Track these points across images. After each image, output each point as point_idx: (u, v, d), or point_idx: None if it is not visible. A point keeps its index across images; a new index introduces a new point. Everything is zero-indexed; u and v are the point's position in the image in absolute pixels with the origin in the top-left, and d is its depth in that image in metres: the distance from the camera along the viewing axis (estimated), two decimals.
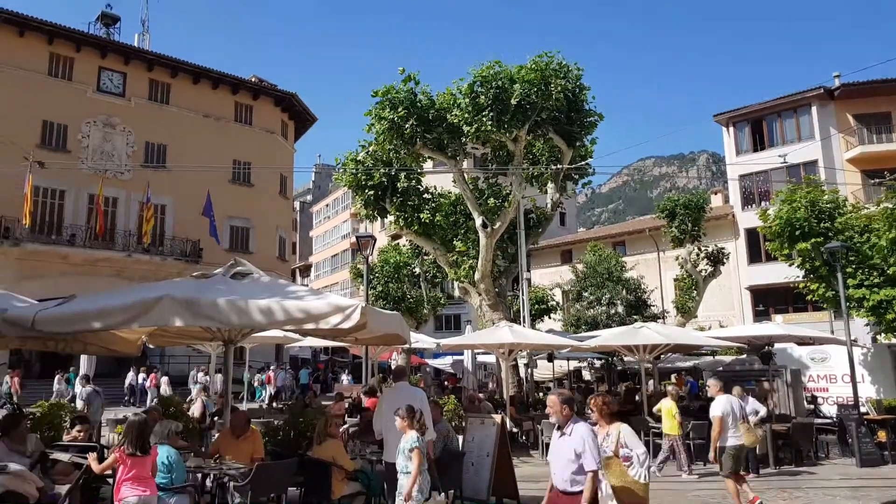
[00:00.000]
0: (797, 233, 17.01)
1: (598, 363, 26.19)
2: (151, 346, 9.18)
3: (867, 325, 18.87)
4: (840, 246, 15.22)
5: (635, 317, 24.96)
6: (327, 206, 68.29)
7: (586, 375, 28.38)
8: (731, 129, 35.11)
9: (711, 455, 9.32)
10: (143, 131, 31.70)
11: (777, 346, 18.04)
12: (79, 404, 13.53)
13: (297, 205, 68.81)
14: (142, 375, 25.05)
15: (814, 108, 32.12)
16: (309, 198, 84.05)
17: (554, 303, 29.39)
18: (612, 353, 19.98)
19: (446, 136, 17.70)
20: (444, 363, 29.88)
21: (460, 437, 9.52)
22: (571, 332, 24.40)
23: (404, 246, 28.26)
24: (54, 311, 5.88)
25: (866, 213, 17.72)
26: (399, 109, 17.07)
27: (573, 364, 27.22)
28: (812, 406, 16.31)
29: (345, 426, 11.61)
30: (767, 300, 32.18)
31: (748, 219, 32.02)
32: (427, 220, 19.13)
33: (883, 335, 18.31)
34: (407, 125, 17.07)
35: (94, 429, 10.95)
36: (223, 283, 6.44)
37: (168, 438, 6.27)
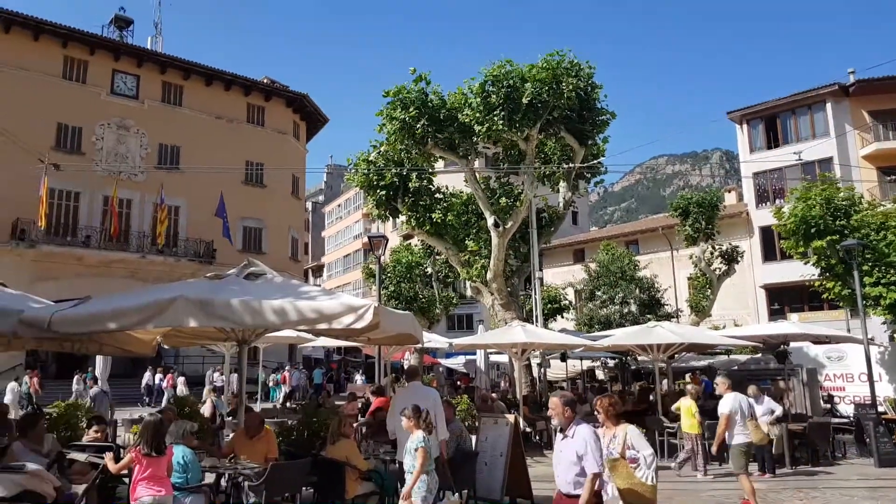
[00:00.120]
0: (812, 230, 16.86)
1: (611, 363, 26.08)
2: (166, 347, 9.22)
3: (884, 323, 18.66)
4: (856, 244, 15.08)
5: (649, 316, 24.88)
6: (339, 206, 68.48)
7: (600, 375, 28.29)
8: (745, 126, 34.81)
9: (714, 449, 9.67)
10: (156, 133, 31.93)
11: (793, 344, 17.87)
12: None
13: (309, 205, 69.01)
14: (158, 376, 25.25)
15: (828, 105, 31.78)
16: (321, 198, 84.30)
17: (567, 302, 29.29)
18: (626, 353, 19.86)
19: (458, 136, 17.69)
20: (456, 363, 29.86)
21: (473, 437, 9.51)
22: (584, 331, 24.33)
23: (416, 246, 28.28)
24: (70, 312, 5.93)
25: (883, 211, 17.55)
26: (410, 109, 17.07)
27: (586, 364, 27.12)
28: (829, 405, 16.17)
29: (356, 424, 11.64)
30: (783, 299, 31.89)
31: (762, 217, 31.74)
32: (439, 220, 19.12)
33: None
34: (418, 125, 17.07)
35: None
36: (237, 283, 6.46)
37: (183, 438, 6.30)
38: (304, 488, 7.68)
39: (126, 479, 6.36)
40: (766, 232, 31.87)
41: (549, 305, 26.48)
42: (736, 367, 18.24)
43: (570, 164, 19.39)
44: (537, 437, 14.93)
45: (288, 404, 23.76)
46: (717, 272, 22.80)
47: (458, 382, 26.78)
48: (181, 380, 24.41)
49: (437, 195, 20.21)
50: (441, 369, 30.66)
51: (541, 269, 19.66)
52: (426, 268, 27.01)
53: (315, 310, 5.73)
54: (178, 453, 6.09)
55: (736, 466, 8.95)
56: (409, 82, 17.40)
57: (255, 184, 35.28)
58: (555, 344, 16.26)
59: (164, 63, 33.10)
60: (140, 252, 29.69)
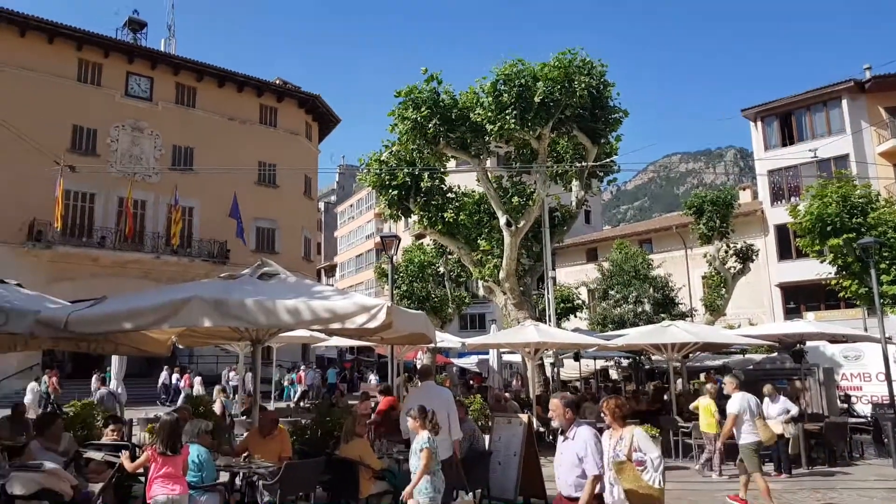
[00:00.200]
0: (828, 228, 16.72)
1: (625, 362, 25.97)
2: (181, 347, 9.29)
3: None
4: (873, 241, 14.90)
5: (663, 315, 24.74)
6: (351, 206, 68.64)
7: (613, 374, 28.19)
8: (760, 123, 34.52)
9: (719, 445, 9.96)
10: (170, 134, 32.14)
11: (809, 344, 17.69)
12: None
13: (321, 205, 69.26)
14: (175, 375, 25.44)
15: (844, 102, 31.45)
16: (333, 198, 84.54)
17: (580, 301, 29.19)
18: (640, 352, 19.77)
19: (469, 135, 17.67)
20: (469, 362, 29.88)
21: (486, 437, 9.50)
22: (598, 330, 24.23)
23: (428, 245, 28.27)
24: (87, 312, 5.98)
25: None
26: (422, 109, 17.07)
27: (600, 363, 27.01)
28: (846, 405, 15.99)
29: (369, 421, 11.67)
30: (798, 297, 31.60)
31: (778, 215, 31.47)
32: (451, 220, 19.12)
33: None
34: (430, 125, 17.07)
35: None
36: (250, 283, 6.50)
37: (198, 437, 6.34)
38: (317, 487, 7.70)
39: (142, 478, 6.42)
40: (782, 230, 31.60)
41: (562, 305, 26.40)
42: (751, 367, 18.08)
43: (583, 163, 19.31)
44: (551, 437, 14.87)
45: (302, 404, 23.87)
46: (732, 271, 22.62)
47: (471, 382, 26.79)
48: (198, 379, 24.61)
49: (450, 195, 20.21)
50: (454, 369, 30.70)
51: (554, 269, 19.60)
52: (438, 267, 27.00)
53: (328, 309, 5.75)
54: (194, 452, 6.13)
55: (750, 466, 8.92)
56: (420, 82, 17.41)
57: (268, 184, 35.44)
58: (568, 343, 16.20)
59: (177, 65, 33.32)
60: (154, 252, 29.90)
